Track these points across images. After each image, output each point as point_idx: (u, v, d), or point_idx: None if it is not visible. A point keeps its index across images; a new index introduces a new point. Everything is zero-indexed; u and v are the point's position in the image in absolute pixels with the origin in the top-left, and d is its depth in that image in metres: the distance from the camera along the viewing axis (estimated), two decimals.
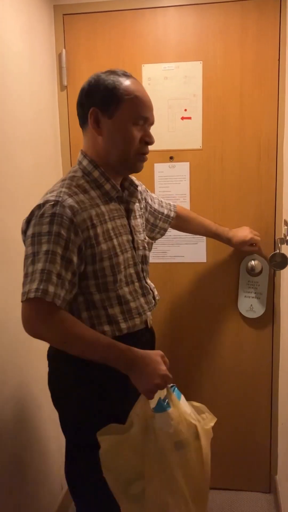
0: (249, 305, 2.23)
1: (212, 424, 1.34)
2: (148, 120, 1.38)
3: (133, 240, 1.44)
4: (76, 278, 1.27)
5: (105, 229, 1.32)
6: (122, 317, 1.38)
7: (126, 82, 1.33)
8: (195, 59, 2.11)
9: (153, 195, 1.79)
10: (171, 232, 2.07)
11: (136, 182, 1.55)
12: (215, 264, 2.24)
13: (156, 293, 1.54)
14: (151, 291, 1.50)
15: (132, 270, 1.42)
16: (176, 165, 2.19)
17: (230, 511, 2.23)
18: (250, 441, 2.36)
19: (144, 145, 1.38)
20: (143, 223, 1.57)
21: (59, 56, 2.16)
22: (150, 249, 1.54)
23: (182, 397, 1.34)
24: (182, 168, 2.19)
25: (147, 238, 1.54)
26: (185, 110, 2.14)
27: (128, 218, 1.45)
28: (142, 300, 1.45)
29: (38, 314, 1.18)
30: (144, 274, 1.49)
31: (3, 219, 1.57)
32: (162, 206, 1.81)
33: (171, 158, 2.18)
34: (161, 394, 1.27)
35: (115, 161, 1.37)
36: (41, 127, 1.99)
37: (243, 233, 2.04)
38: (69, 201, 1.24)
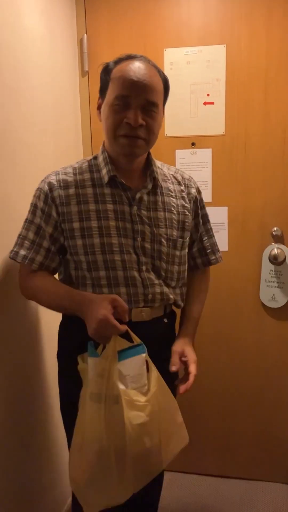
0: (271, 294, 2.19)
1: (142, 400, 1.23)
2: (128, 100, 1.26)
3: (133, 229, 1.37)
4: (55, 247, 1.38)
5: (83, 209, 1.34)
6: None
7: (122, 63, 1.30)
8: (218, 42, 2.06)
9: (207, 223, 1.61)
10: None
11: (169, 174, 1.49)
12: (236, 253, 2.21)
13: (157, 291, 1.41)
14: (144, 287, 1.39)
15: (117, 257, 1.35)
16: (198, 152, 2.15)
17: (249, 501, 2.22)
18: (270, 431, 2.34)
19: (126, 126, 1.28)
20: (172, 218, 1.44)
21: (81, 41, 2.14)
22: (177, 247, 1.45)
23: (137, 360, 1.25)
24: (204, 155, 2.15)
25: (174, 235, 1.44)
26: (208, 95, 2.10)
27: (131, 206, 1.37)
28: (122, 290, 1.36)
29: (20, 275, 1.43)
30: (143, 267, 1.39)
31: (25, 207, 1.57)
32: (204, 246, 1.61)
33: (193, 144, 2.14)
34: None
35: (108, 145, 1.38)
36: (61, 114, 1.98)
37: (178, 346, 1.50)
38: (51, 178, 1.37)
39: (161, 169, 1.47)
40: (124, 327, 1.21)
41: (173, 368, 1.38)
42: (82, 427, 1.26)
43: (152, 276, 1.40)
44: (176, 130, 2.14)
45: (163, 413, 1.27)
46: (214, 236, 1.62)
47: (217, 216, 2.18)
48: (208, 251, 1.59)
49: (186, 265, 1.51)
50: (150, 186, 1.40)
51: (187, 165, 2.16)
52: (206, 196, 2.16)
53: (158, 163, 1.48)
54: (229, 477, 2.39)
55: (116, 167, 1.37)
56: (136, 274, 1.37)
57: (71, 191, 1.35)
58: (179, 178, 1.49)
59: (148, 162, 1.44)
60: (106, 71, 1.32)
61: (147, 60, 1.32)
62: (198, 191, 1.54)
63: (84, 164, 1.42)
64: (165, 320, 1.48)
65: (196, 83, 2.10)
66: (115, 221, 1.35)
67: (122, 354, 1.21)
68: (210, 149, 2.14)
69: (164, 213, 1.41)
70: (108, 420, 1.19)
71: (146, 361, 1.28)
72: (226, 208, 2.18)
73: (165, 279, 1.43)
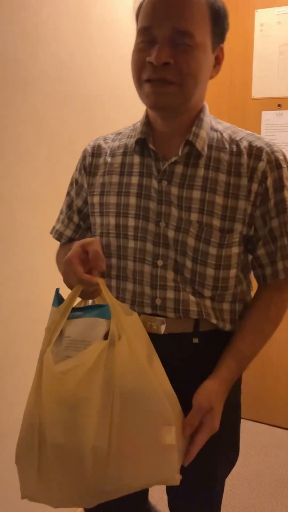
0: None
1: (56, 370, 0.87)
2: (152, 33, 0.93)
3: (157, 211, 1.02)
4: (85, 224, 1.16)
5: (106, 181, 1.08)
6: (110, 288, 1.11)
7: None
8: None
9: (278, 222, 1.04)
10: None
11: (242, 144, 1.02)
12: None
13: (168, 295, 1.03)
14: (152, 287, 1.04)
15: (131, 244, 1.05)
16: (284, 113, 2.17)
17: None
18: None
19: (148, 67, 0.93)
20: (214, 201, 1.00)
21: None
22: (212, 242, 1.00)
23: (86, 323, 0.92)
24: None
25: (214, 225, 1.00)
26: None
27: (160, 180, 1.02)
28: (128, 286, 1.07)
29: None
30: (159, 261, 1.04)
31: None
32: (271, 251, 1.05)
33: (279, 105, 2.17)
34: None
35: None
36: None
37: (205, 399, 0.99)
38: (88, 145, 1.15)
39: (218, 131, 1.04)
40: (90, 278, 0.92)
41: (186, 432, 0.92)
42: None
43: (170, 275, 1.03)
44: (263, 91, 2.17)
45: (125, 412, 0.85)
46: None
47: None
48: (270, 258, 1.05)
49: (236, 271, 1.04)
50: (181, 153, 1.01)
51: (272, 127, 2.20)
52: None
53: (217, 123, 1.06)
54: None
55: (153, 130, 1.04)
56: (147, 268, 1.04)
57: (101, 160, 1.10)
58: (244, 145, 1.01)
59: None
60: (139, 8, 1.01)
61: None
62: (275, 166, 1.01)
63: (128, 129, 1.13)
64: (195, 341, 1.05)
65: (286, 43, 2.11)
66: (136, 199, 1.04)
67: (77, 311, 0.94)
68: None
69: (201, 193, 1.00)
70: (35, 388, 0.91)
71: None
72: None
73: (193, 284, 1.03)
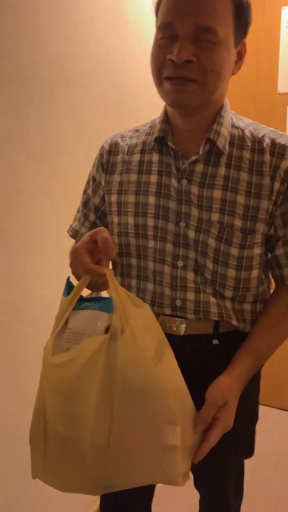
0: None
1: (53, 362, 0.87)
2: (173, 29, 0.90)
3: (177, 210, 1.01)
4: (102, 223, 1.13)
5: (124, 180, 1.06)
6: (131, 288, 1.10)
7: None
8: None
9: None
10: None
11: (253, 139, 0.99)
12: None
13: (189, 297, 1.03)
14: (172, 288, 1.03)
15: (151, 244, 1.04)
16: None
17: None
18: None
19: (169, 64, 0.90)
20: (236, 201, 0.98)
21: None
22: (234, 243, 0.98)
23: (88, 315, 0.89)
24: None
25: (236, 225, 0.98)
26: None
27: (180, 179, 1.00)
28: (149, 286, 1.06)
29: None
30: (179, 261, 1.02)
31: None
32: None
33: None
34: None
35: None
36: None
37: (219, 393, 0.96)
38: (105, 142, 1.13)
39: (239, 128, 1.01)
40: (97, 268, 0.89)
41: (198, 427, 0.90)
42: None
43: (190, 276, 1.02)
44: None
45: (127, 408, 0.83)
46: None
47: None
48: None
49: (258, 271, 1.02)
50: (202, 151, 0.98)
51: None
52: None
53: (238, 120, 1.04)
54: None
55: (172, 128, 1.02)
56: (167, 269, 1.03)
57: (119, 157, 1.08)
58: (267, 143, 0.98)
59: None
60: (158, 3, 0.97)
61: None
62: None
63: (146, 125, 1.11)
64: (215, 342, 1.05)
65: None
66: (156, 198, 1.02)
67: (82, 302, 0.92)
68: None
69: (222, 193, 0.98)
70: (42, 376, 0.92)
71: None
72: None
73: (214, 285, 1.01)
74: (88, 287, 0.94)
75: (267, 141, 0.99)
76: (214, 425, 0.91)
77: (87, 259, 0.89)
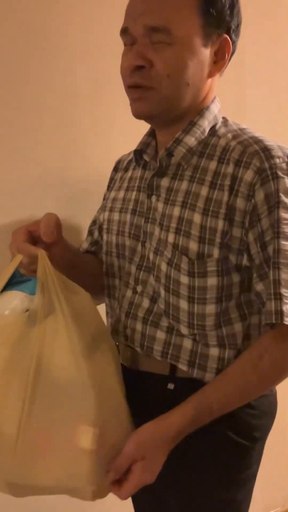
0: None
1: None
2: (131, 34, 0.83)
3: (143, 229, 0.93)
4: (96, 231, 1.10)
5: (112, 197, 1.02)
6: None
7: None
8: None
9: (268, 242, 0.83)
10: None
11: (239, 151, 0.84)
12: None
13: (137, 327, 0.93)
14: (126, 314, 0.95)
15: (127, 265, 0.97)
16: None
17: None
18: None
19: (126, 72, 0.85)
20: (191, 220, 0.85)
21: None
22: (182, 269, 0.86)
23: (9, 298, 0.83)
24: None
25: (190, 249, 0.85)
26: None
27: (149, 195, 0.92)
28: (117, 310, 0.98)
29: None
30: (139, 286, 0.93)
31: None
32: (262, 277, 0.83)
33: None
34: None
35: None
36: None
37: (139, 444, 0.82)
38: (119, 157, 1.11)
39: (217, 136, 0.89)
40: (29, 247, 0.84)
41: (109, 476, 0.79)
42: None
43: (145, 304, 0.92)
44: None
45: (42, 400, 0.75)
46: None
47: None
48: (265, 296, 0.82)
49: (216, 307, 0.86)
50: (158, 164, 0.90)
51: None
52: None
53: (225, 126, 0.91)
54: None
55: (157, 141, 0.95)
56: (128, 293, 0.95)
57: (119, 174, 1.05)
58: (236, 150, 0.84)
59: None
60: None
61: None
62: (270, 176, 0.81)
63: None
64: (170, 387, 0.90)
65: None
66: (131, 216, 0.95)
67: (8, 284, 0.86)
68: None
69: (181, 210, 0.86)
70: None
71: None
72: None
73: (168, 317, 0.89)
74: (25, 271, 0.88)
75: (237, 148, 0.84)
76: (128, 478, 0.79)
77: (21, 237, 0.85)
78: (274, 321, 0.78)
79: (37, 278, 0.80)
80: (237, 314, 0.87)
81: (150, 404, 0.88)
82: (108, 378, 0.81)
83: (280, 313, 0.77)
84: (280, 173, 0.80)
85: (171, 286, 0.88)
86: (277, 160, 0.81)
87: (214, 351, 0.87)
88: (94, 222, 1.13)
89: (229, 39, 0.86)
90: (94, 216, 1.14)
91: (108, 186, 1.09)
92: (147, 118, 0.88)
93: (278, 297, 0.78)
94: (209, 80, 0.88)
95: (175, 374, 0.89)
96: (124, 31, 0.85)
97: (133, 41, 0.83)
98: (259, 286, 0.83)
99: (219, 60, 0.87)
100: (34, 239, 0.85)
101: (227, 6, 0.84)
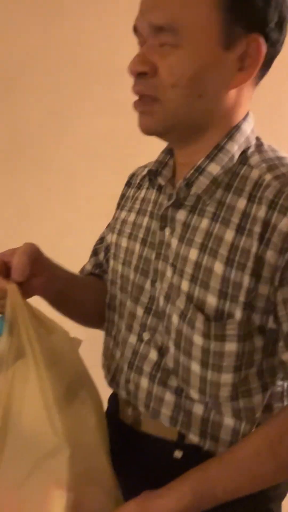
0: None
1: None
2: (138, 33, 0.71)
3: (153, 266, 0.78)
4: (102, 252, 0.97)
5: (122, 217, 0.87)
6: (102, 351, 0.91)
7: None
8: None
9: None
10: None
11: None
12: None
13: (143, 385, 0.78)
14: (129, 366, 0.80)
15: (128, 303, 0.82)
16: None
17: None
18: None
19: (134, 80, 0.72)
20: (211, 268, 0.70)
21: None
22: (197, 327, 0.71)
23: None
24: None
25: (206, 302, 0.70)
26: None
27: (160, 227, 0.77)
28: (117, 354, 0.84)
29: None
30: (146, 334, 0.79)
31: None
32: None
33: None
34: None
35: None
36: None
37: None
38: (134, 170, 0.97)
39: (248, 165, 0.72)
40: None
41: None
42: None
43: (152, 355, 0.78)
44: None
45: (11, 456, 0.67)
46: None
47: None
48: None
49: (234, 377, 0.71)
50: (175, 196, 0.75)
51: None
52: None
53: (258, 153, 0.73)
54: None
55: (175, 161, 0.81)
56: (132, 339, 0.81)
57: (132, 191, 0.90)
58: (272, 188, 0.68)
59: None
60: None
61: None
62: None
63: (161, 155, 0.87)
64: (178, 455, 0.76)
65: None
66: (140, 246, 0.81)
67: None
68: None
69: (198, 253, 0.72)
70: None
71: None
72: None
73: (176, 377, 0.76)
74: None
75: (273, 185, 0.67)
76: None
77: None
78: None
79: (5, 317, 0.69)
80: (258, 384, 0.72)
81: (152, 472, 0.75)
82: (88, 433, 0.69)
83: None
84: None
85: (182, 344, 0.73)
86: None
87: (228, 421, 0.72)
88: (101, 239, 0.98)
89: (262, 39, 0.66)
90: (102, 233, 0.99)
91: (119, 204, 0.91)
92: (159, 135, 0.73)
93: None
94: (233, 92, 0.70)
95: (184, 440, 0.75)
96: (135, 30, 0.71)
97: (144, 42, 0.70)
98: (285, 356, 0.69)
99: (248, 67, 0.68)
100: (8, 269, 0.73)
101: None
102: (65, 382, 0.70)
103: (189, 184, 0.72)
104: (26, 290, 0.73)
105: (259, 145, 0.74)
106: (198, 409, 0.73)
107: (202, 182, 0.71)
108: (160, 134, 0.72)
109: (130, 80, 0.71)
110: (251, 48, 0.67)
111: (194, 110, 0.69)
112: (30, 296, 0.76)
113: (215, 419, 0.73)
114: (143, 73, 0.68)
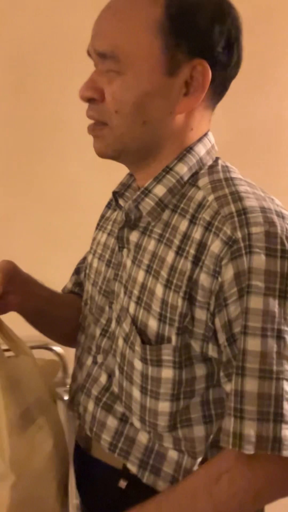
0: None
1: None
2: (90, 56, 0.71)
3: (112, 291, 0.78)
4: (83, 273, 0.97)
5: (97, 238, 0.87)
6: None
7: None
8: None
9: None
10: None
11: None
12: None
13: (89, 408, 0.77)
14: (81, 388, 0.81)
15: (91, 324, 0.82)
16: None
17: None
18: None
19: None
20: (154, 290, 0.68)
21: None
22: (137, 351, 0.69)
23: None
24: None
25: (148, 325, 0.69)
26: None
27: (120, 248, 0.77)
28: (77, 373, 0.84)
29: None
30: (99, 356, 0.78)
31: None
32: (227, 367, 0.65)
33: None
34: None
35: None
36: None
37: None
38: None
39: (196, 186, 0.71)
40: None
41: None
42: None
43: (102, 379, 0.77)
44: None
45: None
46: (263, 378, 0.61)
47: None
48: (231, 409, 0.62)
49: (171, 406, 0.68)
50: (121, 217, 0.76)
51: None
52: None
53: (207, 174, 0.72)
54: None
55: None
56: (88, 361, 0.81)
57: (108, 212, 0.89)
58: (210, 209, 0.66)
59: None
60: None
61: None
62: (243, 249, 0.62)
63: None
64: (122, 485, 0.73)
65: None
66: (106, 267, 0.81)
67: None
68: None
69: (144, 275, 0.71)
70: None
71: None
72: None
73: (121, 401, 0.74)
74: None
75: (212, 206, 0.66)
76: None
77: None
78: (230, 446, 0.60)
79: None
80: (199, 414, 0.68)
81: (101, 500, 0.74)
82: (38, 460, 0.69)
83: (239, 437, 0.59)
84: (255, 248, 0.60)
85: (125, 368, 0.71)
86: (254, 229, 0.61)
87: (172, 454, 0.69)
88: (83, 259, 0.99)
89: (206, 64, 0.65)
90: (86, 252, 0.97)
91: (97, 225, 0.91)
92: (108, 158, 0.73)
93: (239, 414, 0.60)
94: (181, 116, 0.69)
95: (129, 470, 0.71)
96: (88, 54, 0.71)
97: (96, 65, 0.71)
98: (227, 387, 0.64)
99: (194, 92, 0.67)
100: None
101: (207, 20, 0.65)
102: (23, 407, 0.70)
103: (137, 206, 0.72)
104: (1, 306, 0.75)
105: (213, 166, 0.73)
106: (142, 438, 0.71)
107: (148, 204, 0.71)
108: (113, 157, 0.73)
109: None
110: (197, 73, 0.66)
111: (140, 135, 0.69)
112: (4, 312, 0.77)
113: (160, 450, 0.70)
114: (92, 99, 0.69)
